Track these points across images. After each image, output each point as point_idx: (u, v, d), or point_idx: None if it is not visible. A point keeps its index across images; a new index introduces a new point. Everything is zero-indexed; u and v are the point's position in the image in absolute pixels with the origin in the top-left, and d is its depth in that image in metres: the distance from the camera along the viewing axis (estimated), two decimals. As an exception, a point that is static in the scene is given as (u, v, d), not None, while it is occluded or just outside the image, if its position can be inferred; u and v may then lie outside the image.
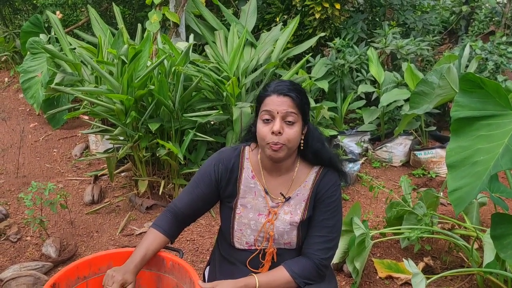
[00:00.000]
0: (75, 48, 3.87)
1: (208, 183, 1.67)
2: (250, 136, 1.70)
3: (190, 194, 1.69)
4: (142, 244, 1.64)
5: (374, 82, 4.23)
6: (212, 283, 1.52)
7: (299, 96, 1.53)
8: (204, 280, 1.83)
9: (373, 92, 4.14)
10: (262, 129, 1.53)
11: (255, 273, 1.60)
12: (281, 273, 1.57)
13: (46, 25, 5.05)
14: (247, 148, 1.70)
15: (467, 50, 2.54)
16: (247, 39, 3.92)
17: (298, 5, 4.54)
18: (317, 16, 4.40)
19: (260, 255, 1.65)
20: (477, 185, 1.69)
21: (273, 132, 1.50)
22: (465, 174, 1.75)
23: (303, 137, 1.59)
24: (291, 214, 1.62)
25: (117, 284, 1.51)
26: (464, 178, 1.75)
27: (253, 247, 1.65)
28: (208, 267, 1.87)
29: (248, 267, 1.65)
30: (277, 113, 1.50)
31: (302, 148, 1.61)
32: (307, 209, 1.62)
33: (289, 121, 1.51)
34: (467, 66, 3.01)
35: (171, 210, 1.70)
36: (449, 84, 2.26)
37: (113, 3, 4.56)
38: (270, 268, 1.63)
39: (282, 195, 1.63)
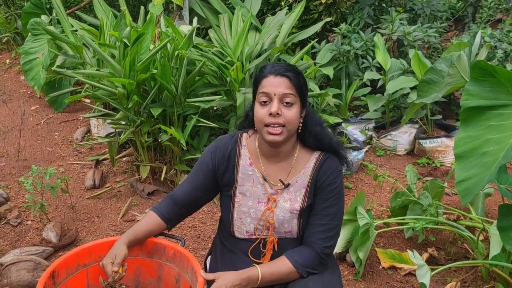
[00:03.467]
0: (77, 30, 3.81)
1: (206, 172, 1.64)
2: (247, 122, 1.67)
3: (190, 184, 1.67)
4: (137, 223, 1.67)
5: (380, 69, 4.16)
6: (214, 274, 1.50)
7: (297, 76, 1.50)
8: (205, 269, 1.81)
9: (379, 79, 4.08)
10: (260, 112, 1.50)
11: (257, 263, 1.58)
12: (283, 263, 1.55)
13: (48, 6, 4.96)
14: (244, 135, 1.66)
15: (478, 37, 2.48)
16: (251, 23, 3.85)
17: (304, -11, 4.45)
18: (323, 0, 4.32)
19: (261, 245, 1.62)
20: (486, 176, 1.66)
21: (271, 114, 1.47)
22: (474, 164, 1.72)
23: (301, 121, 1.56)
24: (291, 201, 1.59)
25: (119, 259, 1.51)
26: (472, 169, 1.72)
27: (253, 236, 1.62)
28: (209, 256, 1.84)
29: (250, 256, 1.63)
30: (275, 94, 1.47)
31: (300, 131, 1.57)
32: (307, 196, 1.59)
33: (287, 103, 1.48)
34: (476, 54, 2.96)
35: (171, 197, 1.69)
36: (459, 72, 2.21)
37: (115, -16, 4.49)
38: (272, 257, 1.61)
39: (281, 181, 1.59)
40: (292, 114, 1.49)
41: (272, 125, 1.48)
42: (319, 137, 1.59)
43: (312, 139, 1.59)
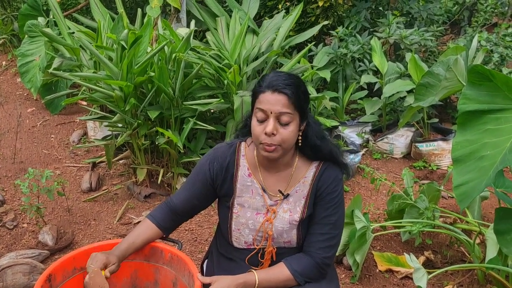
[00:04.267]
0: (73, 32, 3.81)
1: (203, 181, 1.62)
2: (247, 130, 1.63)
3: (187, 192, 1.65)
4: (133, 232, 1.64)
5: (376, 72, 4.17)
6: (211, 277, 1.49)
7: (296, 92, 1.44)
8: (202, 273, 1.80)
9: (376, 82, 4.09)
10: (256, 128, 1.46)
11: (254, 270, 1.57)
12: (281, 271, 1.53)
13: (45, 8, 4.95)
14: (243, 144, 1.63)
15: (475, 41, 2.49)
16: (249, 26, 3.85)
17: (301, -8, 4.47)
18: (320, 4, 4.33)
19: (259, 254, 1.61)
20: (483, 181, 1.66)
21: (266, 133, 1.43)
22: (471, 168, 1.72)
23: (301, 133, 1.52)
24: (290, 212, 1.56)
25: (99, 262, 1.49)
26: (469, 173, 1.71)
27: (252, 247, 1.61)
28: (206, 261, 1.83)
29: (247, 264, 1.62)
30: (271, 113, 1.42)
31: (300, 144, 1.54)
32: (307, 207, 1.56)
33: (283, 122, 1.43)
34: (473, 58, 2.97)
35: (168, 204, 1.67)
36: (456, 76, 2.22)
37: (112, -13, 4.49)
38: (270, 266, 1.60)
39: (281, 192, 1.57)
40: (288, 133, 1.44)
41: (268, 145, 1.45)
42: (318, 149, 1.55)
43: (311, 150, 1.56)
